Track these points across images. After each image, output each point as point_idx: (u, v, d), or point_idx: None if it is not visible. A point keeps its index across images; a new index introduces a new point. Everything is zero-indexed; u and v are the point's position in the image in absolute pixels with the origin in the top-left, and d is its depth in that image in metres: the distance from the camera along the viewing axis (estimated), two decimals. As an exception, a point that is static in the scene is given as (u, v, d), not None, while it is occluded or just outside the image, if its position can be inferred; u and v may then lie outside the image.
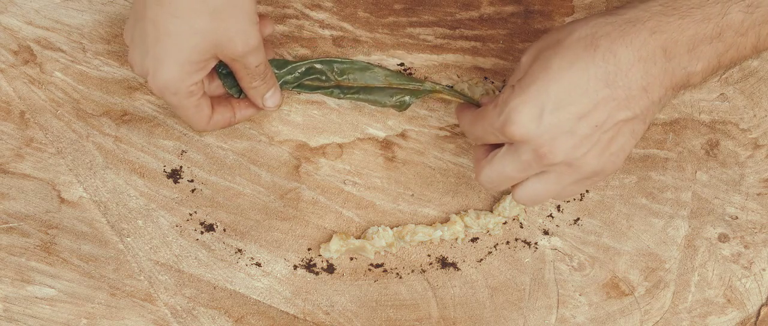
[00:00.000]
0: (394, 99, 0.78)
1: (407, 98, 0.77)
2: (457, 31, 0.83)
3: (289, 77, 0.77)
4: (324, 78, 0.78)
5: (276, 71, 0.77)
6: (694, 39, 0.62)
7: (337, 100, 0.80)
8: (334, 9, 0.82)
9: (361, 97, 0.77)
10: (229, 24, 0.67)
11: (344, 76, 0.78)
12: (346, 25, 0.82)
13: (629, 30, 0.62)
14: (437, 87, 0.78)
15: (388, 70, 0.79)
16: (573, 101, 0.62)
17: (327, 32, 0.82)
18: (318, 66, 0.78)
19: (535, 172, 0.66)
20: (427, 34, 0.83)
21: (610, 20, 0.63)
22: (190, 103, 0.70)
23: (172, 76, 0.68)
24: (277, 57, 0.80)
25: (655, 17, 0.62)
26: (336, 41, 0.82)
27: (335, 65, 0.78)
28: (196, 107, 0.71)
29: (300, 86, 0.78)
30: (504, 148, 0.67)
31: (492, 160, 0.68)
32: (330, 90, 0.78)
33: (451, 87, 0.79)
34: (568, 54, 0.62)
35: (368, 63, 0.79)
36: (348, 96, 0.77)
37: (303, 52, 0.81)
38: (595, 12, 0.85)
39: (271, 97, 0.75)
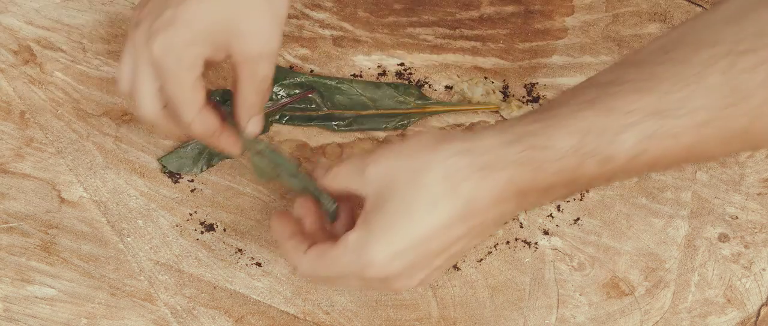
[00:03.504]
0: (384, 127, 0.80)
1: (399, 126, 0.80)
2: (458, 31, 0.83)
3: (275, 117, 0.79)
4: (314, 106, 0.79)
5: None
6: (549, 186, 0.61)
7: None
8: (334, 9, 0.82)
9: (353, 128, 0.80)
10: (256, 17, 0.64)
11: (335, 103, 0.80)
12: (346, 25, 0.82)
13: (488, 176, 0.59)
14: (425, 103, 0.80)
15: (374, 85, 0.80)
16: (433, 241, 0.61)
17: (327, 32, 0.82)
18: (312, 95, 0.79)
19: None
20: (427, 34, 0.83)
21: (469, 161, 0.60)
22: (189, 76, 0.64)
23: (181, 39, 0.63)
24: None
25: (511, 167, 0.59)
26: (336, 41, 0.82)
27: (325, 95, 0.79)
28: (193, 86, 0.64)
29: (292, 119, 0.79)
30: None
31: (329, 263, 0.63)
32: (324, 122, 0.79)
33: (436, 101, 0.80)
34: (429, 197, 0.60)
35: (353, 85, 0.80)
36: (342, 128, 0.79)
37: (303, 52, 0.81)
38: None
39: (255, 123, 0.69)
